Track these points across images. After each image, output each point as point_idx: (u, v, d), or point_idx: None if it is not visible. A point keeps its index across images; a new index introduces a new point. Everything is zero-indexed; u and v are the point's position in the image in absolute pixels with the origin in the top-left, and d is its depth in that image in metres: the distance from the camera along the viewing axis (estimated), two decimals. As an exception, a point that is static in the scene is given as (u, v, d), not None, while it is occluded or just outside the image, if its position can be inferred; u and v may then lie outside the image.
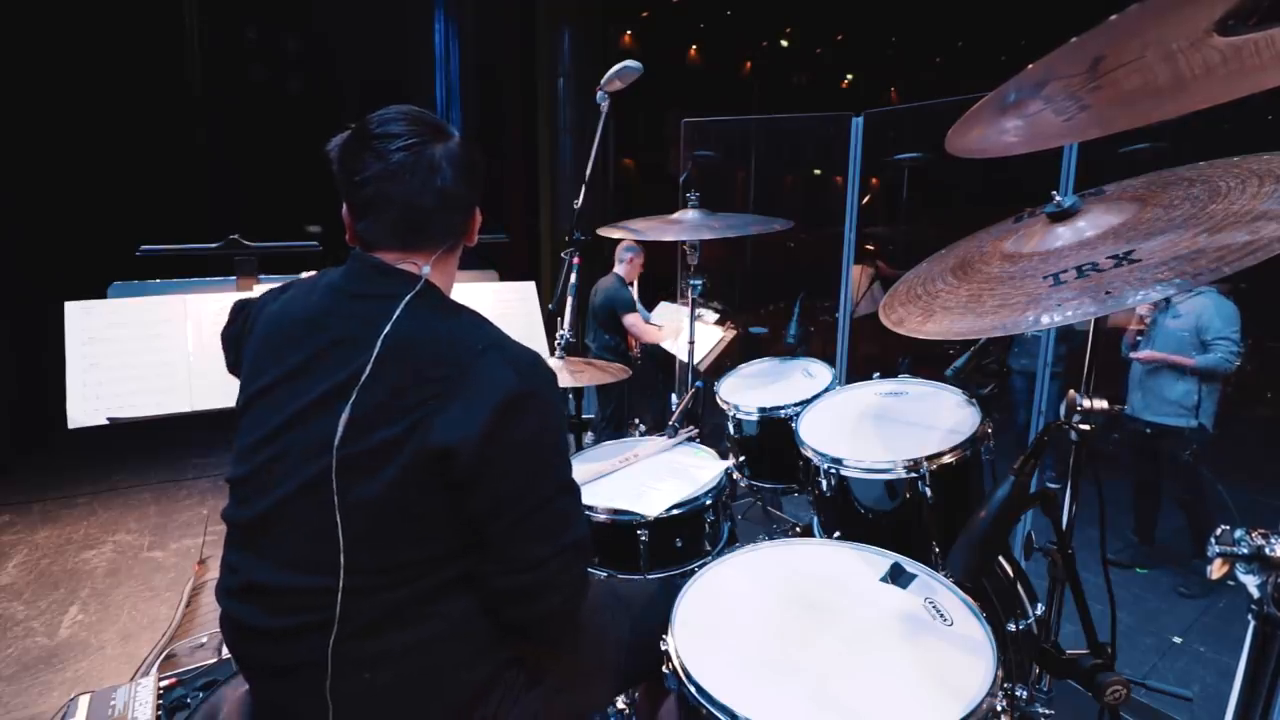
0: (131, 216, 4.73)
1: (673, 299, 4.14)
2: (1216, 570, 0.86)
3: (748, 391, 2.24)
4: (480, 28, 7.76)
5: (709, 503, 1.64)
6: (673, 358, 3.73)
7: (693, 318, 2.45)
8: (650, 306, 4.11)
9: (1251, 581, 0.84)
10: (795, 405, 1.97)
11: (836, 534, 1.60)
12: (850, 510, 1.58)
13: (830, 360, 2.48)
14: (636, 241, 4.01)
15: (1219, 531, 0.86)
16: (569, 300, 2.15)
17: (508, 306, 2.28)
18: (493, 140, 8.12)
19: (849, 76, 11.48)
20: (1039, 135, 1.08)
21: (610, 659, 1.16)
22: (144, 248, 1.94)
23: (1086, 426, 1.15)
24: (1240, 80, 0.84)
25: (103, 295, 1.89)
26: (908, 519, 1.49)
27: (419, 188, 0.94)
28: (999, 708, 0.93)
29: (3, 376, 4.78)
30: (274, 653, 0.93)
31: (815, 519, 1.76)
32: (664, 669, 1.04)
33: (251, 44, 6.57)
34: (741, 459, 2.14)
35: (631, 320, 3.92)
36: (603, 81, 2.05)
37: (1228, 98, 0.89)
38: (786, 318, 2.59)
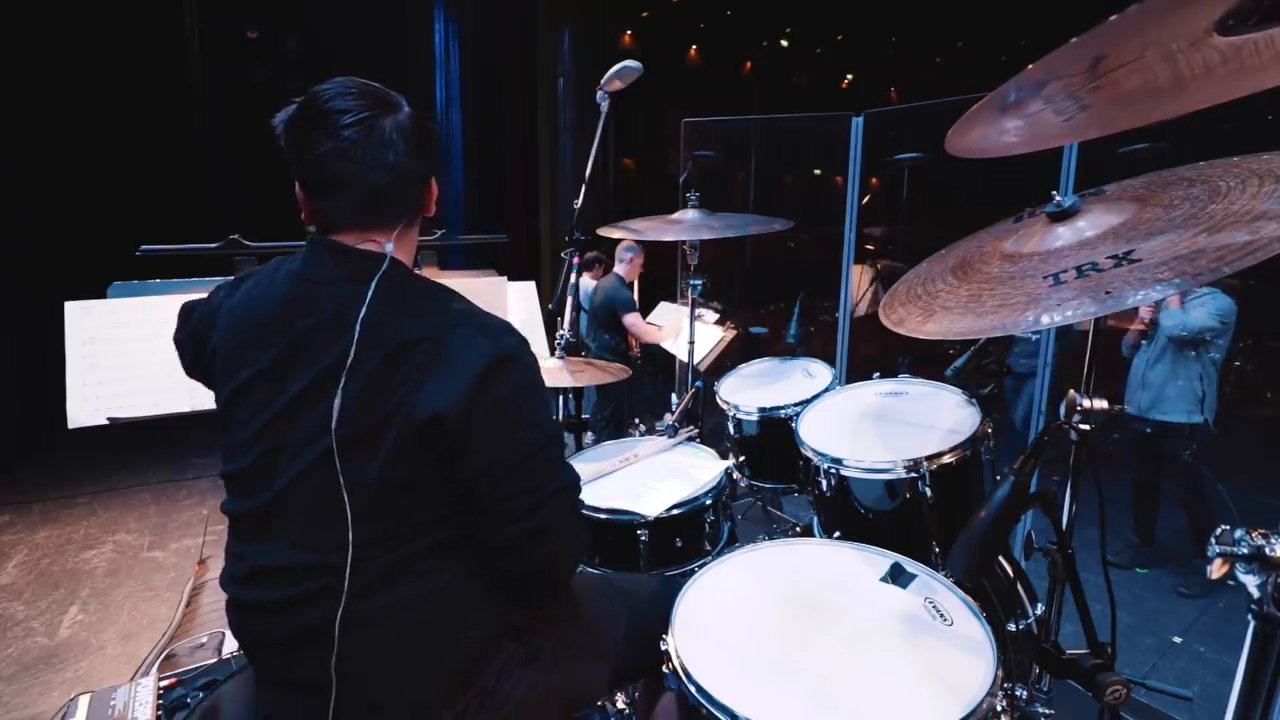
0: (131, 216, 4.72)
1: (673, 299, 4.14)
2: (1216, 570, 0.86)
3: (748, 391, 2.24)
4: (480, 28, 7.77)
5: (709, 503, 1.64)
6: (673, 358, 3.74)
7: (693, 318, 2.45)
8: (650, 306, 4.11)
9: (1251, 581, 0.84)
10: (795, 405, 1.97)
11: (836, 534, 1.60)
12: (850, 510, 1.58)
13: (830, 360, 2.48)
14: (636, 241, 4.01)
15: (1219, 531, 0.86)
16: (569, 300, 2.15)
17: (508, 306, 2.28)
18: (493, 140, 8.12)
19: (849, 76, 11.48)
20: (1039, 135, 1.08)
21: (607, 649, 1.17)
22: (144, 248, 1.94)
23: (1086, 426, 1.15)
24: (1240, 80, 0.84)
25: (103, 295, 1.89)
26: (908, 519, 1.49)
27: (372, 165, 0.92)
28: (999, 708, 0.93)
29: (3, 376, 4.78)
30: (280, 625, 0.94)
31: (815, 519, 1.76)
32: (664, 669, 1.04)
33: (251, 44, 6.57)
34: (741, 459, 2.14)
35: (631, 320, 3.92)
36: (603, 81, 2.05)
37: (1228, 98, 0.89)
38: (786, 318, 2.59)
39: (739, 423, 2.12)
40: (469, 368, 0.90)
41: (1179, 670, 2.64)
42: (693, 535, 1.63)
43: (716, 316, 3.44)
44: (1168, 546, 3.42)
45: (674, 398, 2.66)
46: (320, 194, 0.96)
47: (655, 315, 3.99)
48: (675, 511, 1.58)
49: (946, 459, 1.44)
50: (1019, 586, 1.49)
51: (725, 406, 2.15)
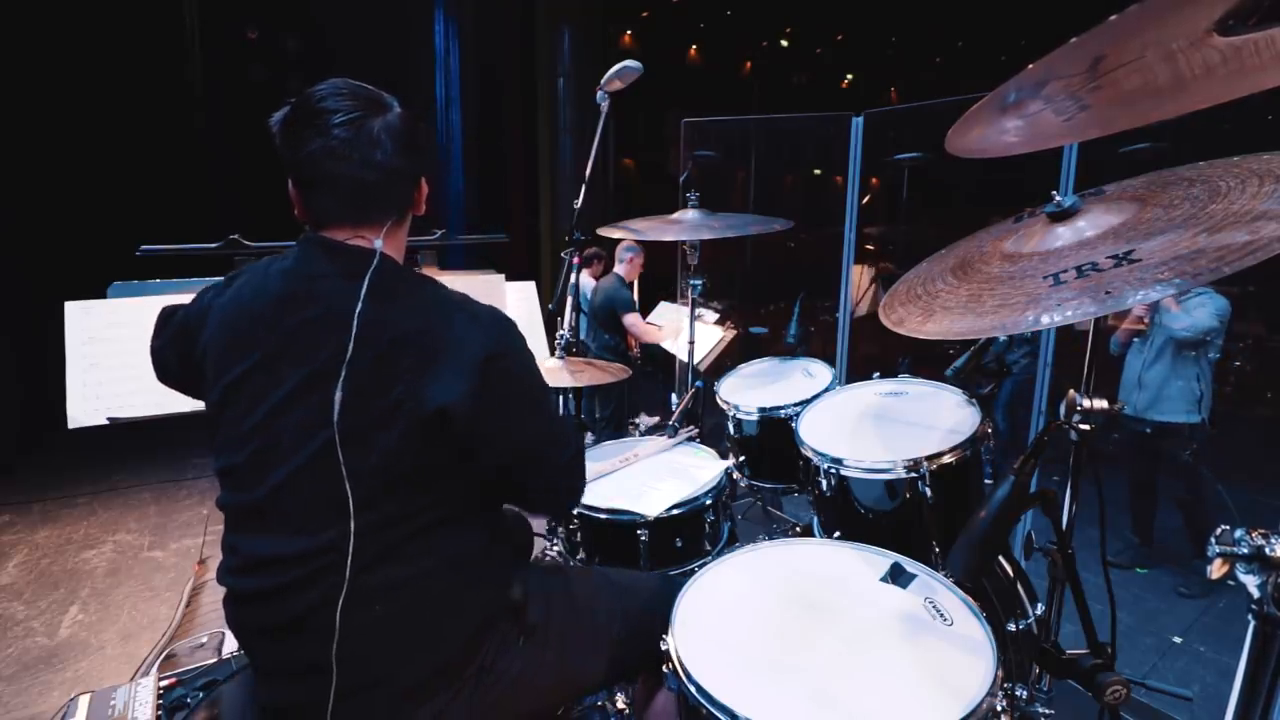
0: (131, 216, 4.72)
1: (673, 299, 4.14)
2: (1216, 570, 0.86)
3: (748, 391, 2.24)
4: (480, 28, 7.76)
5: (709, 502, 1.64)
6: (673, 358, 3.74)
7: (693, 318, 2.45)
8: (650, 306, 4.11)
9: (1251, 581, 0.84)
10: (795, 405, 1.97)
11: (836, 534, 1.60)
12: (850, 510, 1.58)
13: (830, 360, 2.48)
14: (636, 241, 4.01)
15: (1219, 531, 0.86)
16: (569, 300, 2.15)
17: (507, 306, 2.28)
18: (493, 140, 8.12)
19: (849, 76, 11.49)
20: (1039, 135, 1.08)
21: (603, 639, 1.19)
22: (144, 248, 1.94)
23: (1086, 426, 1.15)
24: (1240, 80, 0.84)
25: (103, 295, 1.89)
26: (908, 519, 1.49)
27: (360, 163, 0.95)
28: (999, 708, 0.93)
29: (3, 376, 4.78)
30: (279, 611, 0.95)
31: (815, 519, 1.76)
32: (664, 668, 1.04)
33: (251, 44, 6.57)
34: (741, 459, 2.14)
35: (631, 320, 3.92)
36: (603, 81, 2.05)
37: (1228, 98, 0.89)
38: (786, 318, 2.59)
39: (739, 423, 2.12)
40: (470, 357, 0.93)
41: (1179, 670, 2.64)
42: (693, 535, 1.63)
43: (716, 316, 3.44)
44: (1167, 546, 3.42)
45: (674, 398, 2.66)
46: (311, 191, 0.98)
47: (655, 315, 3.99)
48: (675, 511, 1.58)
49: (946, 459, 1.44)
50: (1019, 586, 1.49)
51: (725, 406, 2.15)
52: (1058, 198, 1.06)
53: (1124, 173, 1.14)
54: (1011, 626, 1.39)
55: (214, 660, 1.78)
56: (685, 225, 2.15)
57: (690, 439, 2.00)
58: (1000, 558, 1.51)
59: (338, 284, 0.95)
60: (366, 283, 0.93)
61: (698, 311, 2.47)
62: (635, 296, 4.16)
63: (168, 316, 1.16)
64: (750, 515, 3.03)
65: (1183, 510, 3.26)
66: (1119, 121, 1.01)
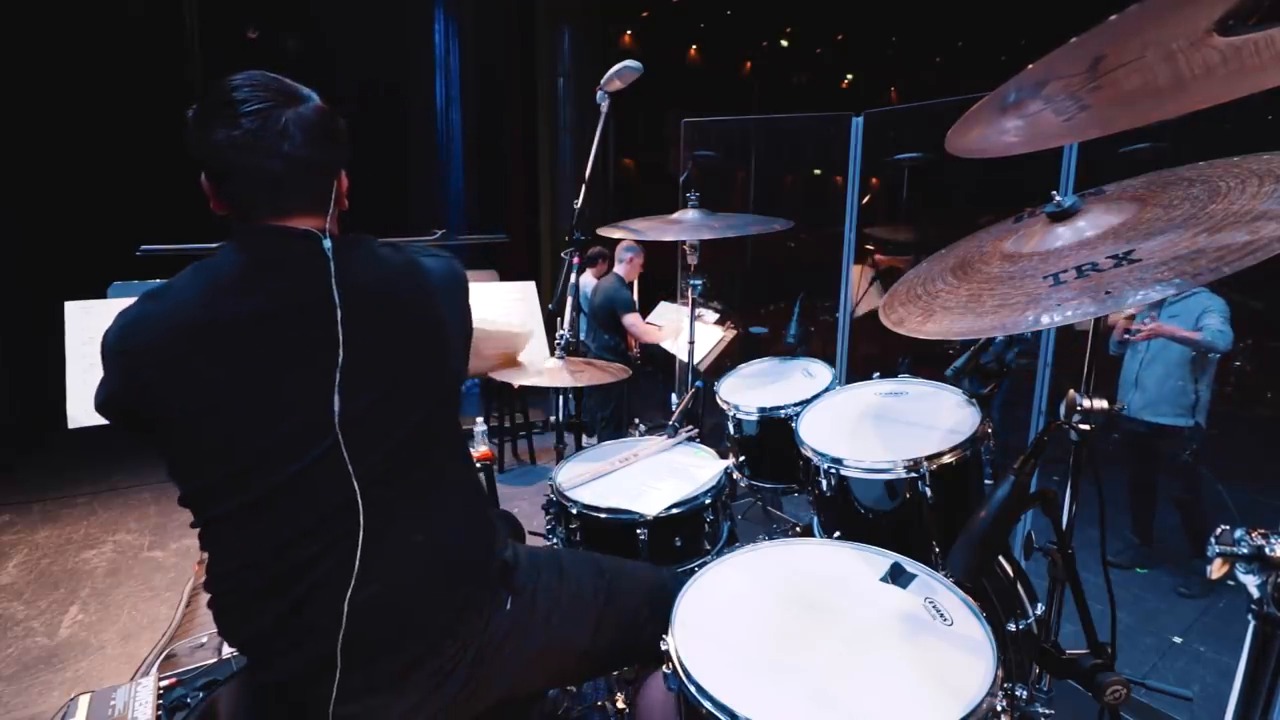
0: (131, 216, 4.73)
1: (673, 299, 4.14)
2: (1216, 570, 0.86)
3: (748, 391, 2.24)
4: (480, 28, 7.76)
5: (708, 502, 1.64)
6: (673, 358, 3.74)
7: (693, 318, 2.45)
8: (650, 306, 4.11)
9: (1251, 581, 0.84)
10: (795, 405, 1.97)
11: (836, 534, 1.60)
12: (850, 510, 1.58)
13: (830, 360, 2.48)
14: (636, 241, 4.01)
15: (1219, 531, 0.86)
16: (569, 300, 2.15)
17: (508, 306, 2.28)
18: (493, 140, 8.12)
19: (849, 76, 11.50)
20: (1039, 135, 1.08)
21: (588, 609, 1.21)
22: (144, 248, 1.94)
23: (1086, 426, 1.15)
24: (1240, 80, 0.84)
25: (103, 295, 1.89)
26: (908, 519, 1.49)
27: (266, 153, 0.94)
28: (999, 708, 0.93)
29: (3, 376, 4.78)
30: (283, 601, 0.95)
31: (815, 519, 1.76)
32: (664, 668, 1.04)
33: (251, 44, 6.56)
34: (741, 459, 2.14)
35: (631, 320, 3.92)
36: (603, 81, 2.05)
37: (1228, 98, 0.89)
38: (786, 318, 2.58)
39: (739, 423, 2.12)
40: (453, 285, 1.10)
41: (1179, 670, 2.64)
42: (692, 534, 1.63)
43: (716, 316, 3.44)
44: (1167, 546, 3.42)
45: (674, 398, 2.66)
46: (223, 183, 0.97)
47: (655, 315, 3.99)
48: (674, 511, 1.58)
49: (946, 459, 1.44)
50: (1019, 586, 1.48)
51: (725, 406, 2.15)
52: (1058, 198, 1.06)
53: (1124, 173, 1.14)
54: (1011, 626, 1.39)
55: (214, 660, 1.78)
56: (685, 225, 2.15)
57: (690, 439, 2.00)
58: (1000, 558, 1.51)
59: (302, 261, 0.96)
60: (332, 260, 0.96)
61: (698, 311, 2.47)
62: (635, 296, 4.16)
63: (115, 356, 0.97)
64: (750, 515, 3.03)
65: (1180, 510, 3.26)
66: (1119, 121, 1.01)
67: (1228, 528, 0.86)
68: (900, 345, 3.56)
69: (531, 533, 1.70)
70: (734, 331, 3.30)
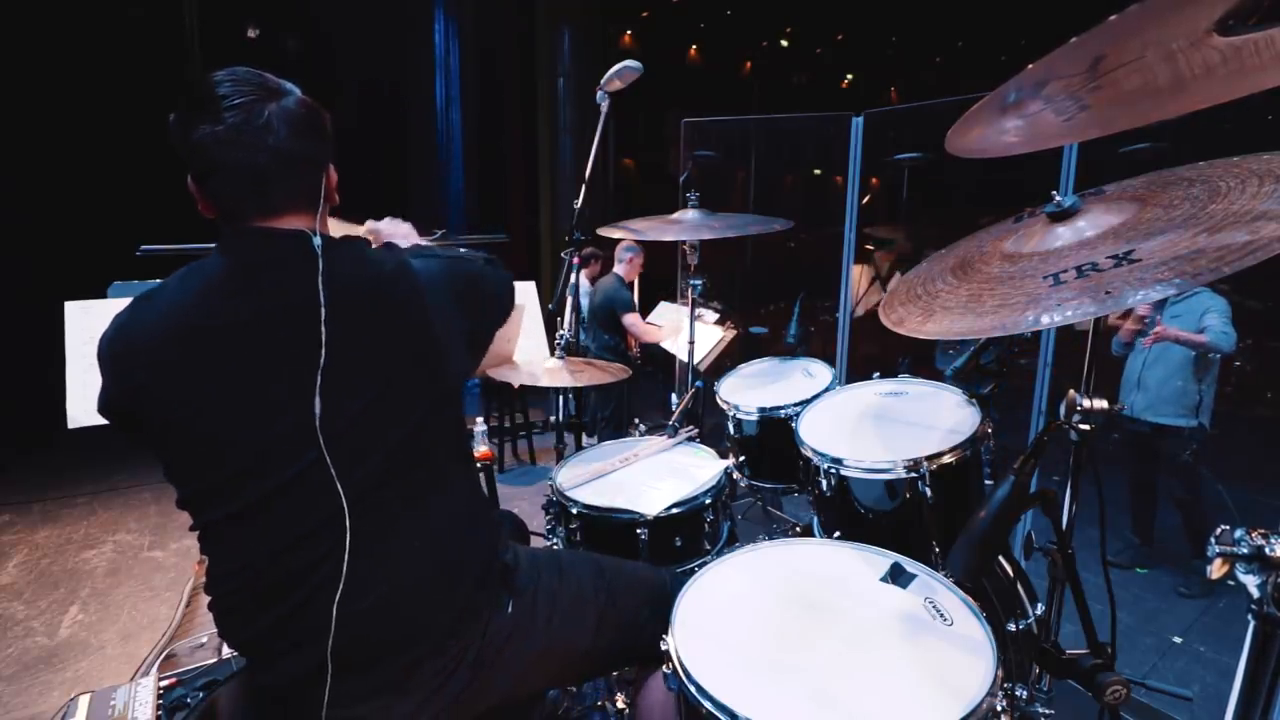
0: (131, 216, 4.72)
1: (673, 299, 4.14)
2: (1216, 570, 0.86)
3: (748, 391, 2.24)
4: (480, 28, 7.77)
5: (708, 502, 1.64)
6: (673, 359, 3.74)
7: (693, 318, 2.45)
8: (650, 306, 4.11)
9: (1251, 581, 0.84)
10: (795, 405, 1.97)
11: (836, 534, 1.60)
12: (850, 510, 1.58)
13: (830, 360, 2.48)
14: (636, 241, 4.01)
15: (1219, 531, 0.86)
16: (569, 300, 2.15)
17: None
18: (493, 140, 8.12)
19: (849, 76, 11.50)
20: (1039, 135, 1.08)
21: (589, 609, 1.21)
22: (144, 248, 1.94)
23: (1086, 426, 1.15)
24: (1240, 80, 0.84)
25: (103, 295, 1.89)
26: (908, 519, 1.49)
27: (251, 148, 0.92)
28: (999, 708, 0.93)
29: (3, 376, 4.78)
30: (283, 605, 0.95)
31: (815, 519, 1.76)
32: (664, 668, 1.04)
33: (251, 44, 6.56)
34: (741, 459, 2.14)
35: (631, 320, 3.92)
36: (603, 81, 2.05)
37: (1228, 98, 0.89)
38: (786, 318, 2.58)
39: (739, 423, 2.12)
40: (445, 286, 1.06)
41: (1179, 670, 2.64)
42: (692, 534, 1.63)
43: (716, 316, 3.44)
44: (1167, 546, 3.42)
45: (674, 398, 2.66)
46: (209, 182, 0.95)
47: (655, 315, 3.99)
48: (675, 510, 1.58)
49: (946, 459, 1.44)
50: (1019, 586, 1.49)
51: (725, 406, 2.15)
52: (1058, 198, 1.06)
53: (1124, 173, 1.14)
54: (1011, 626, 1.39)
55: (214, 660, 1.79)
56: (685, 225, 2.15)
57: (690, 439, 2.00)
58: (1000, 558, 1.51)
59: (292, 264, 0.95)
60: (322, 261, 0.94)
61: (698, 311, 2.47)
62: (635, 296, 4.16)
63: (109, 360, 1.01)
64: (750, 515, 3.03)
65: (1180, 510, 3.26)
66: (1119, 121, 1.01)
67: (1228, 528, 0.86)
68: (900, 345, 3.56)
69: (532, 533, 1.70)
70: (734, 331, 3.30)
